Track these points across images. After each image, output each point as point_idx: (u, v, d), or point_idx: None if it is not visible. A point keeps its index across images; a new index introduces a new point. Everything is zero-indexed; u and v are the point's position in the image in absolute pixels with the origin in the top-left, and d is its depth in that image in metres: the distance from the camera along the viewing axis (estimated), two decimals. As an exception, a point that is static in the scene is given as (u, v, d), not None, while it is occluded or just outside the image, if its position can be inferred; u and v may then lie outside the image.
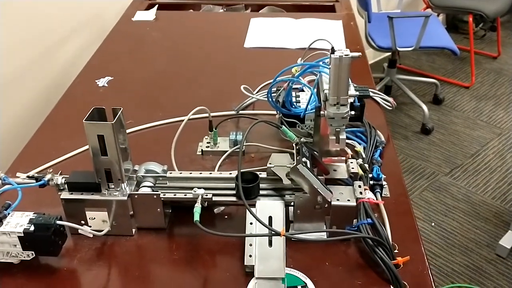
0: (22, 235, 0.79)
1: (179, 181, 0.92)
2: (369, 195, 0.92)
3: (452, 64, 3.55)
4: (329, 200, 0.86)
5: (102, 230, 0.88)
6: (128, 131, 1.20)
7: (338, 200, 0.87)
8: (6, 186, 0.85)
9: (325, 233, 0.88)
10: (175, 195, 0.88)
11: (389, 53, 3.13)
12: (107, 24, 1.85)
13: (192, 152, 1.13)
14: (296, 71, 0.98)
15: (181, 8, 2.01)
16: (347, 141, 1.13)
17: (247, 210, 0.86)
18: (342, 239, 0.89)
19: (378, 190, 0.98)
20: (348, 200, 0.87)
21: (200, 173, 0.93)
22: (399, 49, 2.84)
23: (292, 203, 0.88)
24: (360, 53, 0.83)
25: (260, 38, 1.70)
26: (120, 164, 0.85)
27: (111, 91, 1.39)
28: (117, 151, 0.83)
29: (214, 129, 1.11)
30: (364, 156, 1.07)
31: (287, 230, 0.90)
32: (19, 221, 0.81)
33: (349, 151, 1.08)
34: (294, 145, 0.90)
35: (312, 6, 2.01)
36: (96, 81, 1.43)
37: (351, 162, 0.97)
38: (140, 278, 0.84)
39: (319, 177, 0.88)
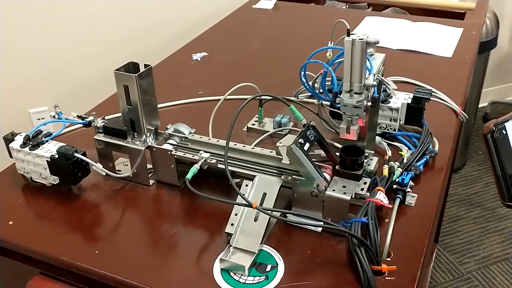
0: (49, 160, 0.92)
1: (198, 144, 0.97)
2: (379, 196, 0.86)
3: None
4: (323, 188, 0.83)
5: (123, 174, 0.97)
6: (193, 100, 1.30)
7: (334, 190, 0.83)
8: (52, 119, 0.98)
9: (311, 220, 0.84)
10: (184, 154, 0.93)
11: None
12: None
13: (241, 127, 1.16)
14: (330, 56, 0.94)
15: (305, 1, 2.03)
16: (395, 144, 1.06)
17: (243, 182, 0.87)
18: (326, 231, 0.85)
19: (399, 196, 0.91)
20: (344, 194, 0.82)
21: (218, 141, 0.96)
22: None
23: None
24: (378, 39, 0.78)
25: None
26: (141, 115, 0.92)
27: (200, 65, 1.49)
28: (139, 102, 0.90)
29: (259, 108, 1.13)
30: (405, 161, 0.99)
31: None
32: (51, 148, 0.93)
33: (389, 152, 1.01)
34: (302, 126, 0.88)
35: (441, 12, 1.87)
36: (192, 54, 1.55)
37: (371, 160, 0.91)
38: (134, 218, 0.92)
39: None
